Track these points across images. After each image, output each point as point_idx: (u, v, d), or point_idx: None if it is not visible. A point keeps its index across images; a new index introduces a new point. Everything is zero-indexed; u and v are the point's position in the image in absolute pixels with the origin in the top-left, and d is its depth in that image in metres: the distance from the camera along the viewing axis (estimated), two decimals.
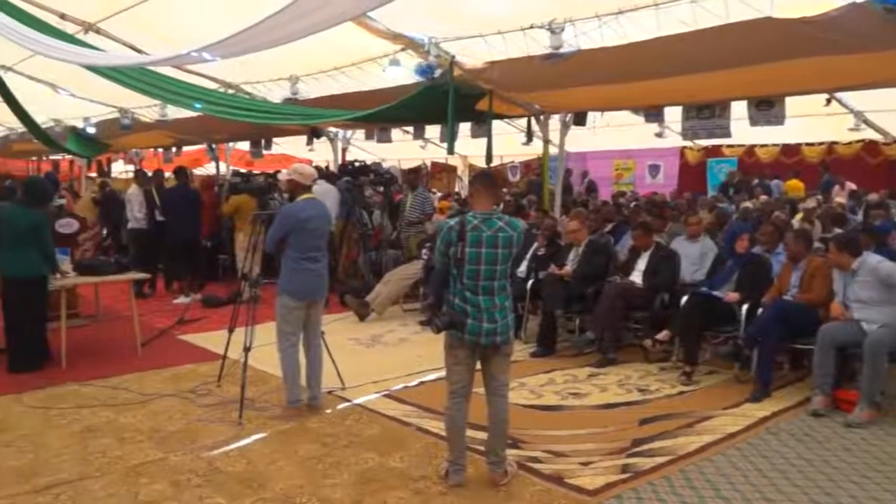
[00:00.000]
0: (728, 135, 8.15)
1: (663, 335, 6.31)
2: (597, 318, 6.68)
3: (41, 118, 12.34)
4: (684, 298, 6.31)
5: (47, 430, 4.85)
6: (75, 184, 17.44)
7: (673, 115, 9.41)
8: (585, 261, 7.15)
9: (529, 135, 9.82)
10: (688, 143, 14.28)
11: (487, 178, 4.14)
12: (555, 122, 9.64)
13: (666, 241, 7.41)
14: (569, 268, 7.19)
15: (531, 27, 6.98)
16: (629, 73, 7.20)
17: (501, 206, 9.16)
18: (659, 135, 12.26)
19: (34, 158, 19.93)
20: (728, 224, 8.38)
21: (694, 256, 7.10)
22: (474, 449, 4.33)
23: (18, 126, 13.73)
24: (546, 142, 9.62)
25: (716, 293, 6.27)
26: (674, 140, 12.95)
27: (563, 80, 7.66)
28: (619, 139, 13.47)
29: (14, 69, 11.11)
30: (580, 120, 9.47)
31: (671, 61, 6.72)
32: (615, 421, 5.11)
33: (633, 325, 6.86)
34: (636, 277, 6.86)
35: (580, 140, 12.02)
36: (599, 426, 5.00)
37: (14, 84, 10.36)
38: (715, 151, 15.48)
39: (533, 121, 9.60)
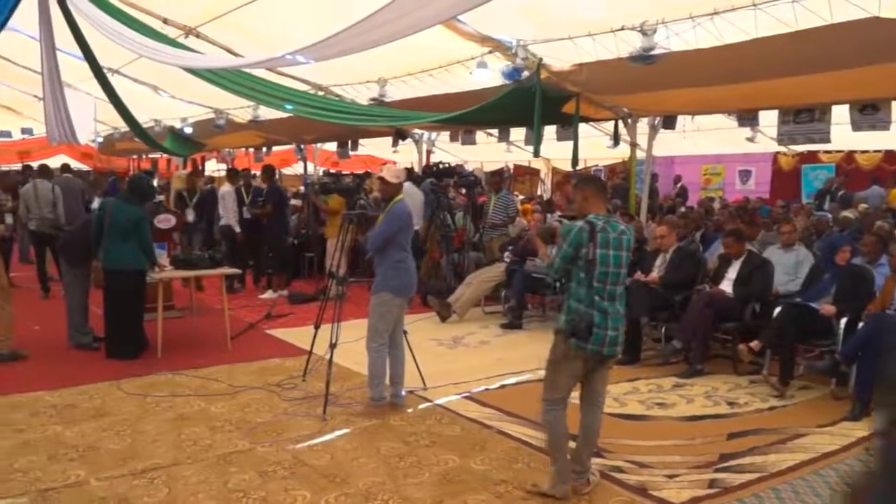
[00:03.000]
0: (828, 140, 7.80)
1: (754, 344, 6.08)
2: (684, 326, 6.51)
3: (142, 118, 12.92)
4: (777, 309, 6.07)
5: (144, 417, 5.07)
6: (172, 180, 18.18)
7: (767, 119, 9.07)
8: (673, 267, 6.97)
9: (616, 138, 9.66)
10: (781, 148, 13.72)
11: (599, 182, 4.13)
12: (642, 125, 9.44)
13: (758, 250, 7.15)
14: (655, 274, 7.03)
15: (622, 29, 6.85)
16: (724, 76, 6.98)
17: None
18: (751, 139, 11.81)
19: (135, 156, 20.93)
20: (826, 233, 8.01)
21: (788, 266, 6.82)
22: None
23: (122, 125, 14.46)
24: (633, 145, 9.43)
25: (812, 304, 6.00)
26: (766, 144, 12.45)
27: (654, 83, 7.49)
28: (709, 143, 13.06)
29: (120, 72, 11.69)
30: (670, 123, 9.24)
31: (769, 63, 6.48)
32: (702, 434, 4.96)
33: (721, 335, 6.64)
34: (726, 286, 6.64)
35: (668, 144, 11.73)
36: (685, 438, 4.87)
37: (119, 86, 10.90)
38: (810, 157, 14.81)
39: (620, 124, 9.43)
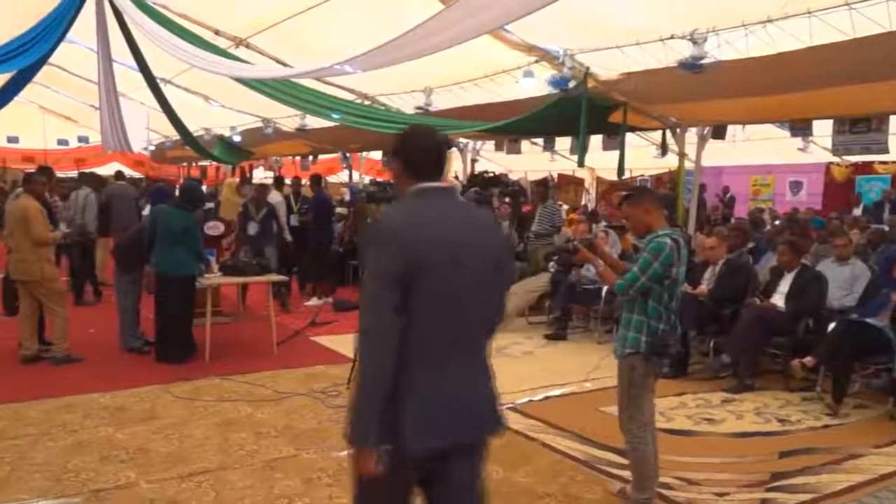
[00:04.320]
0: (886, 150, 7.60)
1: (807, 360, 5.90)
2: (733, 340, 6.36)
3: (193, 127, 13.22)
4: (831, 325, 5.90)
5: (192, 420, 5.16)
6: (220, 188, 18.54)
7: (821, 128, 8.85)
8: (722, 280, 6.83)
9: (664, 148, 9.53)
10: (835, 159, 13.38)
11: (654, 193, 4.05)
12: (691, 135, 9.30)
13: (811, 263, 6.97)
14: (704, 287, 6.90)
15: (671, 37, 6.76)
16: (777, 85, 6.83)
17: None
18: (803, 149, 11.56)
19: (185, 164, 21.40)
20: (883, 246, 7.77)
21: (843, 280, 6.63)
22: (598, 468, 4.23)
23: (172, 134, 14.82)
24: (681, 155, 9.30)
25: (869, 320, 5.81)
26: (819, 155, 12.16)
27: (704, 92, 7.37)
28: (758, 153, 12.81)
29: (172, 82, 11.99)
30: (719, 133, 9.07)
31: (824, 72, 6.32)
32: (752, 451, 4.84)
33: (772, 350, 6.48)
34: (778, 300, 6.48)
35: (716, 154, 11.52)
36: (735, 455, 4.75)
37: (171, 95, 11.19)
38: (865, 168, 14.42)
39: (668, 133, 9.30)
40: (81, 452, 4.51)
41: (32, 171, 7.53)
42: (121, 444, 4.66)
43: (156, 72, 10.18)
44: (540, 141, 12.06)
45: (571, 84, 7.75)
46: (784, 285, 6.52)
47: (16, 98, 11.65)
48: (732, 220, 10.99)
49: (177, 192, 8.76)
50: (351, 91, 10.54)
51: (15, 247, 6.43)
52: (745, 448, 4.91)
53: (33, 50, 8.47)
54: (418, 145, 2.37)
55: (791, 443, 5.01)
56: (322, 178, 11.50)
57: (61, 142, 22.39)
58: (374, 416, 2.12)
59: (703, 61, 6.55)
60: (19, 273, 6.43)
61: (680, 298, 3.80)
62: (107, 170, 17.68)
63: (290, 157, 17.15)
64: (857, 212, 13.69)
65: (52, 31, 8.47)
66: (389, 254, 2.15)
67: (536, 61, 7.97)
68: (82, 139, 22.16)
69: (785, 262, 6.59)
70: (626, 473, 4.08)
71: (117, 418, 5.14)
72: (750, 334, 6.22)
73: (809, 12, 5.84)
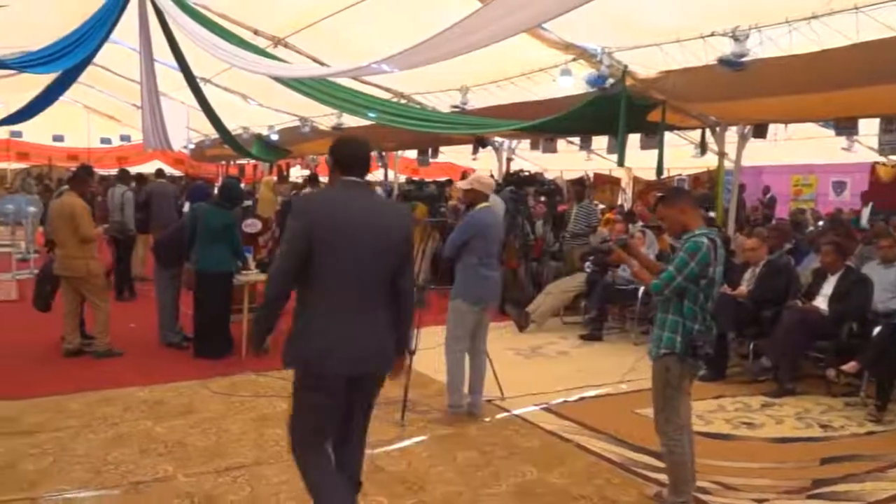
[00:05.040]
0: None
1: (850, 366, 5.76)
2: (774, 343, 6.24)
3: (232, 126, 13.40)
4: (877, 329, 5.75)
5: (229, 415, 5.22)
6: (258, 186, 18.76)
7: (866, 127, 8.63)
8: (763, 282, 6.70)
9: (703, 147, 9.38)
10: (881, 158, 13.03)
11: (689, 194, 4.02)
12: (731, 133, 9.14)
13: (855, 265, 6.79)
14: (743, 288, 6.78)
15: (712, 34, 6.65)
16: (821, 83, 6.68)
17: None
18: (847, 149, 11.28)
19: (223, 162, 21.71)
20: None
21: (889, 283, 6.44)
22: (634, 471, 4.18)
23: (212, 133, 15.04)
24: (721, 155, 9.15)
25: None
26: (864, 154, 11.86)
27: (745, 90, 7.23)
28: (800, 153, 12.53)
29: (212, 81, 12.17)
30: (760, 132, 8.91)
31: (871, 69, 6.15)
32: (793, 457, 4.74)
33: (814, 353, 6.33)
34: (820, 303, 6.34)
35: (756, 153, 11.30)
36: (775, 461, 4.66)
37: (211, 95, 11.36)
38: None
39: (707, 132, 9.16)
40: (121, 445, 4.59)
41: (76, 169, 7.69)
42: (159, 438, 4.74)
43: (196, 71, 10.34)
44: (576, 140, 11.96)
45: (609, 82, 7.66)
46: (827, 288, 6.37)
47: (61, 98, 11.97)
48: (773, 221, 10.76)
49: (215, 191, 8.89)
50: (387, 90, 10.58)
51: (61, 243, 6.57)
52: (785, 454, 4.81)
53: (78, 50, 8.66)
54: (348, 149, 3.19)
55: (833, 449, 4.89)
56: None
57: (104, 140, 22.90)
58: (267, 330, 3.32)
59: (744, 59, 6.43)
60: (65, 269, 6.57)
61: (716, 299, 3.74)
62: (148, 168, 17.98)
63: (326, 156, 17.27)
64: None
65: (96, 31, 8.66)
66: (298, 225, 3.00)
67: (574, 59, 7.90)
68: (124, 138, 22.64)
69: (829, 264, 6.44)
70: (663, 477, 4.03)
71: (156, 412, 5.22)
72: (791, 337, 6.09)
73: (857, 8, 5.68)
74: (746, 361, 6.79)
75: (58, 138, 22.27)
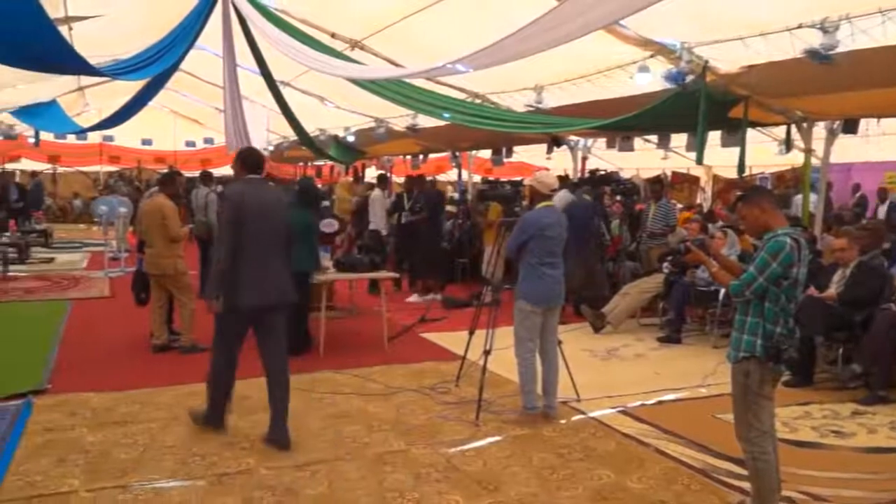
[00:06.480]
0: None
1: None
2: (866, 348, 5.97)
3: (309, 128, 13.66)
4: None
5: (307, 412, 5.34)
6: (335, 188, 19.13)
7: None
8: (854, 284, 6.39)
9: (788, 144, 9.04)
10: None
11: (770, 193, 3.89)
12: (819, 129, 8.77)
13: None
14: (832, 290, 6.50)
15: (799, 27, 6.39)
16: None
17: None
18: None
19: (301, 163, 22.21)
20: None
21: None
22: (715, 478, 4.06)
23: (290, 135, 15.39)
24: (808, 151, 8.78)
25: None
26: None
27: (835, 84, 6.92)
28: (894, 149, 11.92)
29: (291, 84, 12.46)
30: (851, 128, 8.51)
31: None
32: (887, 468, 4.53)
33: None
34: None
35: (845, 150, 10.82)
36: (867, 472, 4.45)
37: (290, 98, 11.63)
38: None
39: (793, 128, 8.81)
40: (206, 438, 4.76)
41: (165, 171, 8.01)
42: (242, 432, 4.89)
43: (276, 75, 10.60)
44: (653, 138, 11.71)
45: (689, 78, 7.46)
46: None
47: (150, 103, 12.49)
48: (864, 221, 10.27)
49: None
50: (461, 90, 10.59)
51: (150, 243, 6.85)
52: (878, 464, 4.59)
53: (166, 57, 9.02)
54: (251, 157, 4.81)
55: None
56: (426, 178, 11.64)
57: (189, 143, 23.77)
58: (220, 284, 4.52)
59: (834, 51, 6.16)
60: (154, 268, 6.85)
61: (800, 301, 3.59)
62: (230, 170, 18.42)
63: (401, 156, 17.46)
64: None
65: (182, 39, 9.00)
66: (230, 208, 4.57)
67: (652, 56, 7.73)
68: (208, 140, 23.44)
69: None
70: (746, 485, 3.91)
71: (239, 406, 5.37)
72: (885, 342, 5.81)
73: None
74: (835, 367, 6.50)
75: (146, 142, 23.24)
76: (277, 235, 4.63)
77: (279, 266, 4.63)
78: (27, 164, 22.85)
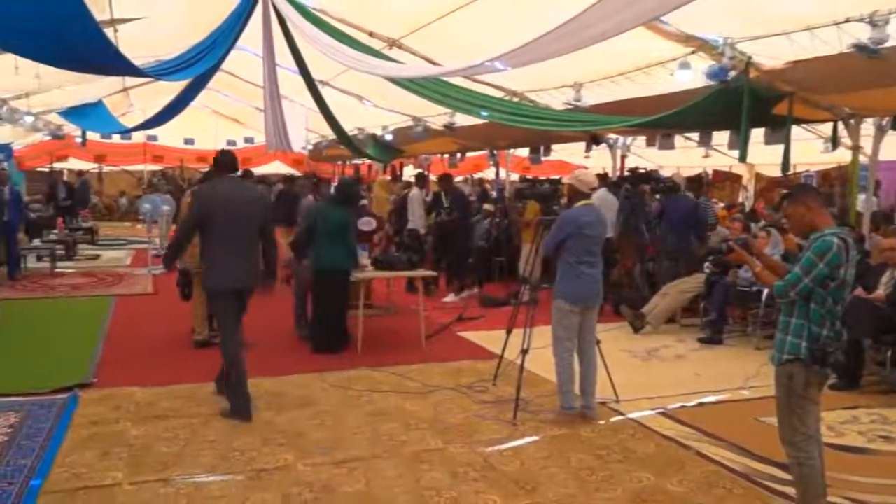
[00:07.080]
0: None
1: None
2: None
3: (348, 126, 13.75)
4: None
5: (345, 409, 5.37)
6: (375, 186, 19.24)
7: None
8: None
9: (835, 141, 8.81)
10: None
11: (816, 191, 3.80)
12: (867, 126, 8.53)
13: None
14: (881, 291, 6.33)
15: (846, 21, 6.23)
16: None
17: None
18: None
19: (339, 162, 22.37)
20: None
21: None
22: (757, 482, 3.97)
23: (329, 133, 15.51)
24: (856, 149, 8.55)
25: None
26: None
27: (884, 79, 6.71)
28: None
29: (329, 83, 12.53)
30: None
31: None
32: None
33: None
34: None
35: (893, 147, 10.50)
36: None
37: (328, 97, 11.70)
38: None
39: (840, 125, 8.59)
40: (245, 433, 4.82)
41: (207, 170, 8.14)
42: (280, 428, 4.94)
43: (315, 74, 10.68)
44: (694, 136, 11.53)
45: (731, 75, 7.32)
46: None
47: (192, 103, 12.69)
48: None
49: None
50: (499, 88, 10.55)
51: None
52: None
53: (207, 58, 9.13)
54: (227, 159, 5.38)
55: None
56: (451, 177, 11.62)
57: (230, 142, 24.07)
58: (174, 259, 5.57)
59: (883, 45, 5.98)
60: (195, 264, 6.95)
61: (846, 303, 3.49)
62: (270, 168, 18.62)
63: (439, 155, 17.48)
64: None
65: (223, 40, 9.11)
66: (197, 203, 5.19)
67: (693, 52, 7.60)
68: (248, 140, 23.75)
69: None
70: (790, 490, 3.82)
71: (277, 403, 5.45)
72: None
73: None
74: (884, 370, 6.33)
75: (188, 141, 23.64)
76: (251, 226, 5.18)
77: (251, 253, 5.24)
78: (74, 164, 23.38)
